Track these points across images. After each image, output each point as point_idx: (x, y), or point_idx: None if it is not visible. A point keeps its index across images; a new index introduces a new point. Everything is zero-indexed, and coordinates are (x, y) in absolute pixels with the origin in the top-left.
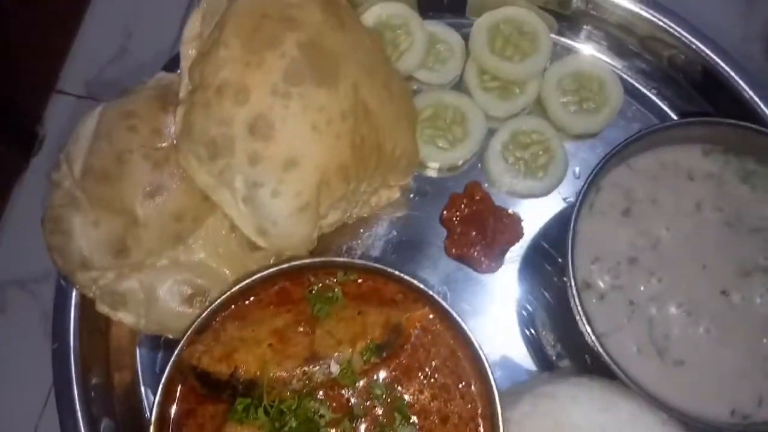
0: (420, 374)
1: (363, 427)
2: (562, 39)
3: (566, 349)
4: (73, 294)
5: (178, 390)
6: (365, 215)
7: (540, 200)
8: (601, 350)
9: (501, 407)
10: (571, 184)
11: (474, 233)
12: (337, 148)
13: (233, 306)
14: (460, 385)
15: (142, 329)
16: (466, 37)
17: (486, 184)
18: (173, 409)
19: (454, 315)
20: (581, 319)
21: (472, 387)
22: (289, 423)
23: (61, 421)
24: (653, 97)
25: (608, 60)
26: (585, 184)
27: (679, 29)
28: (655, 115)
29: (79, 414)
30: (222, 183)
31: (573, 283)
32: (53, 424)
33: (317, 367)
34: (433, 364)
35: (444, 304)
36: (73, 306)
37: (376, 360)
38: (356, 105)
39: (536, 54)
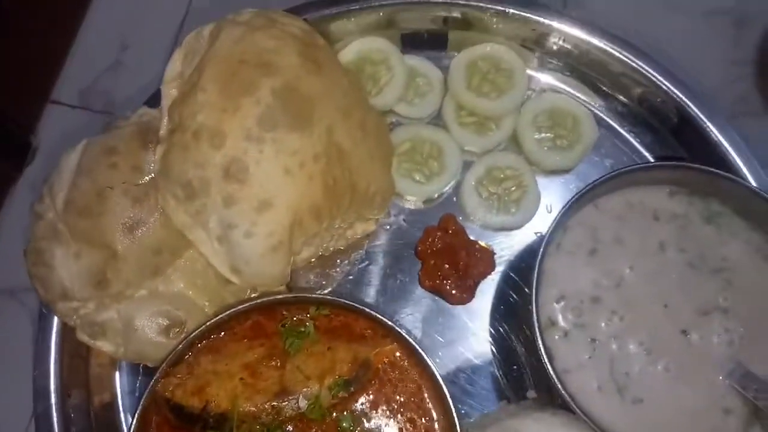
0: (386, 408)
1: None
2: (539, 76)
3: (534, 381)
4: (55, 320)
5: (153, 420)
6: (342, 247)
7: (513, 233)
8: (559, 387)
9: None
10: (544, 218)
11: (446, 266)
12: (309, 190)
13: (208, 339)
14: (425, 419)
15: (121, 357)
16: (445, 70)
17: (461, 217)
18: None
19: (421, 352)
20: (543, 357)
21: (436, 423)
22: None
23: None
24: (626, 135)
25: (583, 98)
26: (552, 225)
27: (650, 70)
28: (628, 152)
29: None
30: (198, 223)
31: (536, 322)
32: None
33: (286, 402)
34: (400, 399)
35: (411, 340)
36: (54, 332)
37: (344, 394)
38: (330, 147)
39: (512, 91)
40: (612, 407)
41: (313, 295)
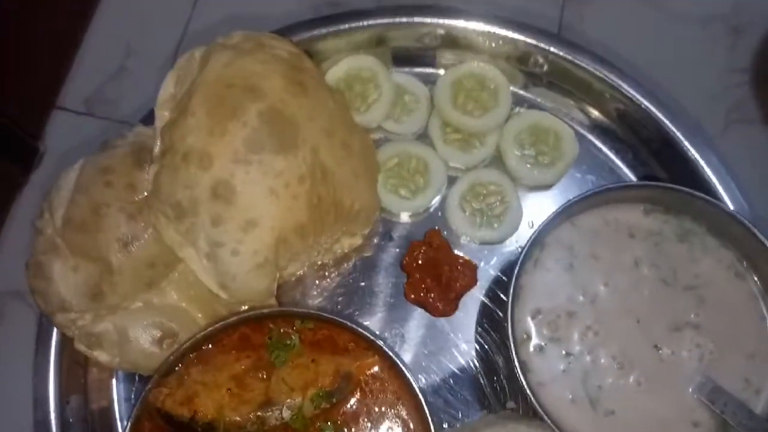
0: (366, 419)
1: None
2: (523, 93)
3: (513, 392)
4: (54, 331)
5: (146, 426)
6: (329, 261)
7: (497, 248)
8: (532, 399)
9: None
10: (527, 233)
11: (429, 280)
12: (294, 210)
13: (198, 350)
14: (403, 429)
15: (116, 367)
16: (433, 88)
17: (446, 232)
18: None
19: (400, 364)
20: (517, 369)
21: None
22: None
23: None
24: (608, 152)
25: (566, 116)
26: (528, 241)
27: (631, 90)
28: (609, 169)
29: None
30: (187, 241)
31: (511, 336)
32: None
33: (270, 413)
34: (380, 409)
35: (391, 354)
36: (53, 342)
37: (327, 405)
38: (314, 167)
39: (496, 109)
40: (585, 419)
41: (298, 309)
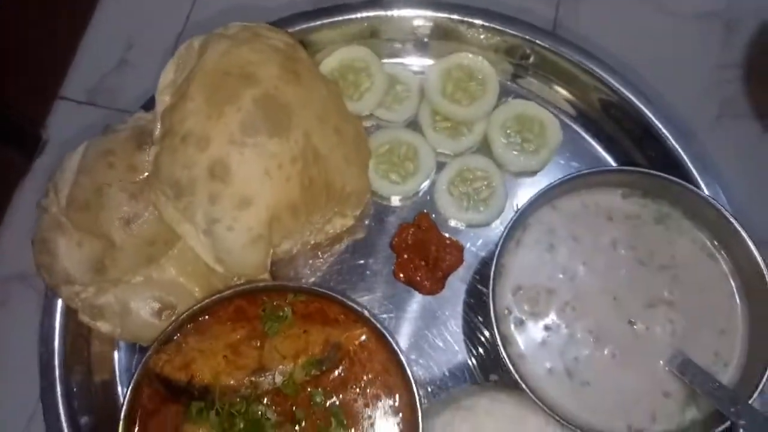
0: (355, 385)
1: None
2: (510, 84)
3: (495, 365)
4: (59, 303)
5: (145, 392)
6: (322, 240)
7: (483, 230)
8: (512, 369)
9: (422, 416)
10: (512, 215)
11: (418, 259)
12: (286, 189)
13: (196, 321)
14: (390, 396)
15: (118, 338)
16: (424, 77)
17: (434, 215)
18: (140, 408)
19: (387, 336)
20: (498, 342)
21: (398, 398)
22: (238, 425)
23: (45, 418)
24: (591, 140)
25: (551, 105)
26: (509, 223)
27: (613, 81)
28: (592, 156)
29: (62, 410)
30: (185, 218)
31: (493, 312)
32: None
33: (263, 378)
34: (367, 377)
35: (379, 325)
36: (58, 313)
37: (317, 372)
38: (306, 150)
39: (483, 98)
40: (561, 389)
41: (291, 284)
